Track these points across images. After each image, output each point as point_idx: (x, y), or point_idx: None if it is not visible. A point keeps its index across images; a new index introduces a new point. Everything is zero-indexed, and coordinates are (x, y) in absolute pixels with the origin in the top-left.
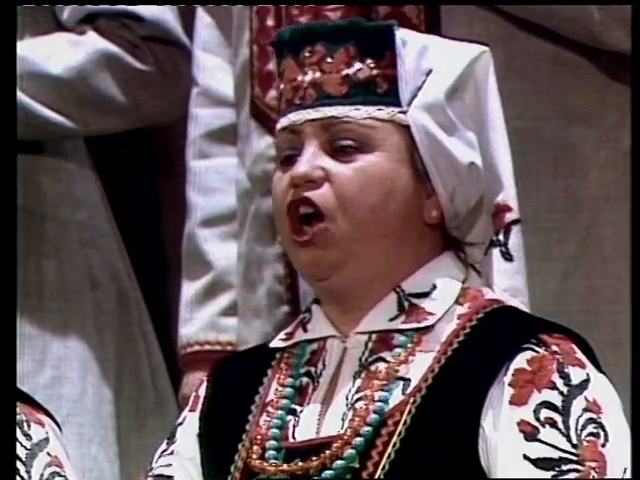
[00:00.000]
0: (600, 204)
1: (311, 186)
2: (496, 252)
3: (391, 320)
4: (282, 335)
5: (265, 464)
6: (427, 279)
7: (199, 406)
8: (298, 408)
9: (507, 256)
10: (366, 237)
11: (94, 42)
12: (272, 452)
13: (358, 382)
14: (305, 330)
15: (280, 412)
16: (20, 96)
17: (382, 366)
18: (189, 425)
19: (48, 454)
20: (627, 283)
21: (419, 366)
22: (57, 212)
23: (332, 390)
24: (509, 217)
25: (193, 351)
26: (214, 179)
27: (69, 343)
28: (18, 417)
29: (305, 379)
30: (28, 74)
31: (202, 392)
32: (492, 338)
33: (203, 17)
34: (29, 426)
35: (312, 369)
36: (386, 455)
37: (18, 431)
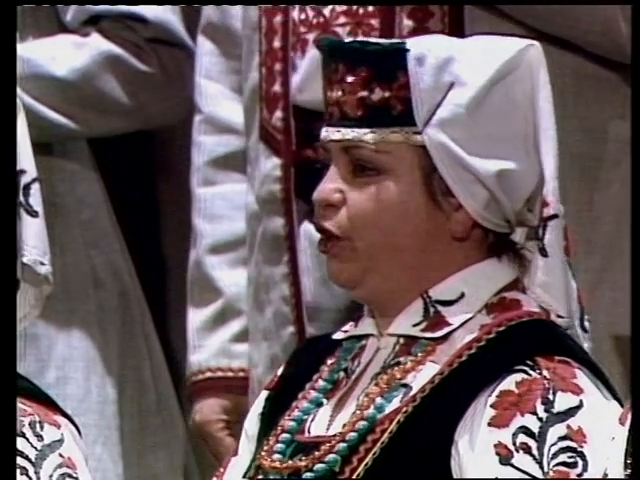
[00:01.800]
0: (621, 217)
1: (330, 209)
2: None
3: (415, 325)
4: (346, 327)
5: (265, 457)
6: (456, 287)
7: (272, 385)
8: (325, 402)
9: (543, 251)
10: (381, 255)
11: (98, 44)
12: (281, 445)
13: (372, 384)
14: (356, 326)
15: (307, 405)
16: (24, 97)
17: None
18: (258, 402)
19: (60, 455)
20: None
21: (424, 375)
22: (61, 212)
23: (353, 388)
24: (546, 212)
25: (205, 378)
26: (220, 206)
27: (73, 343)
28: (31, 418)
29: (342, 374)
30: (32, 76)
31: (280, 371)
32: (494, 355)
33: (204, 44)
34: (42, 427)
35: (350, 365)
36: (364, 462)
37: (30, 432)
